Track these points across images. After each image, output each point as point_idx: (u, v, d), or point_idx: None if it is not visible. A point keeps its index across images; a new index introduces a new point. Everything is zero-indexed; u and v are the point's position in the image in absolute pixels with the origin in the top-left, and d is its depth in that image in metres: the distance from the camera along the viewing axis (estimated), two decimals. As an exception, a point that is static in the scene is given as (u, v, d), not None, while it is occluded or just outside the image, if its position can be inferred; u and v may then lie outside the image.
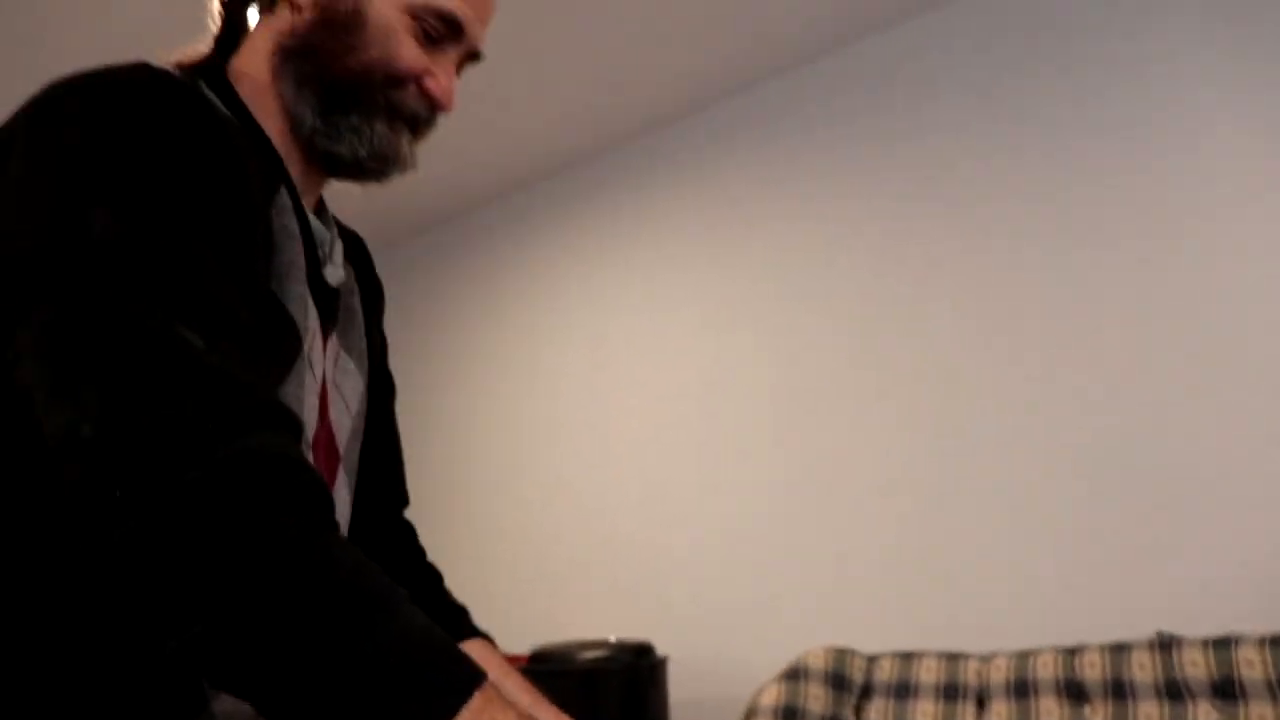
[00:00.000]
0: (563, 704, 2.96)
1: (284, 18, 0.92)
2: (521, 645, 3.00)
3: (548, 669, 2.77)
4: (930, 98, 2.81)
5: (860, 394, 2.78)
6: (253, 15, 0.95)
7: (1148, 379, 2.31)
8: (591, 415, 3.40)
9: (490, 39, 1.00)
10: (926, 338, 2.67)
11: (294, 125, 0.91)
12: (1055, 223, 2.52)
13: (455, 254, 4.05)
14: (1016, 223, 2.58)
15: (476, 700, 0.60)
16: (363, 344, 1.04)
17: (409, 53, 0.91)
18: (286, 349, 0.83)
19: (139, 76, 0.76)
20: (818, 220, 2.96)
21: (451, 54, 0.94)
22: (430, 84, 0.92)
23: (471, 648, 1.04)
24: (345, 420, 0.98)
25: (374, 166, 0.93)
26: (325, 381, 0.94)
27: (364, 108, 0.90)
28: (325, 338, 0.93)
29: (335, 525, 0.66)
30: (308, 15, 0.91)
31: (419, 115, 0.93)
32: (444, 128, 0.98)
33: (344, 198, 1.15)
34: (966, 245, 2.66)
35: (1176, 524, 2.22)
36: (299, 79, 0.91)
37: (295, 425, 0.69)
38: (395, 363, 1.19)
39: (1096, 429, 2.36)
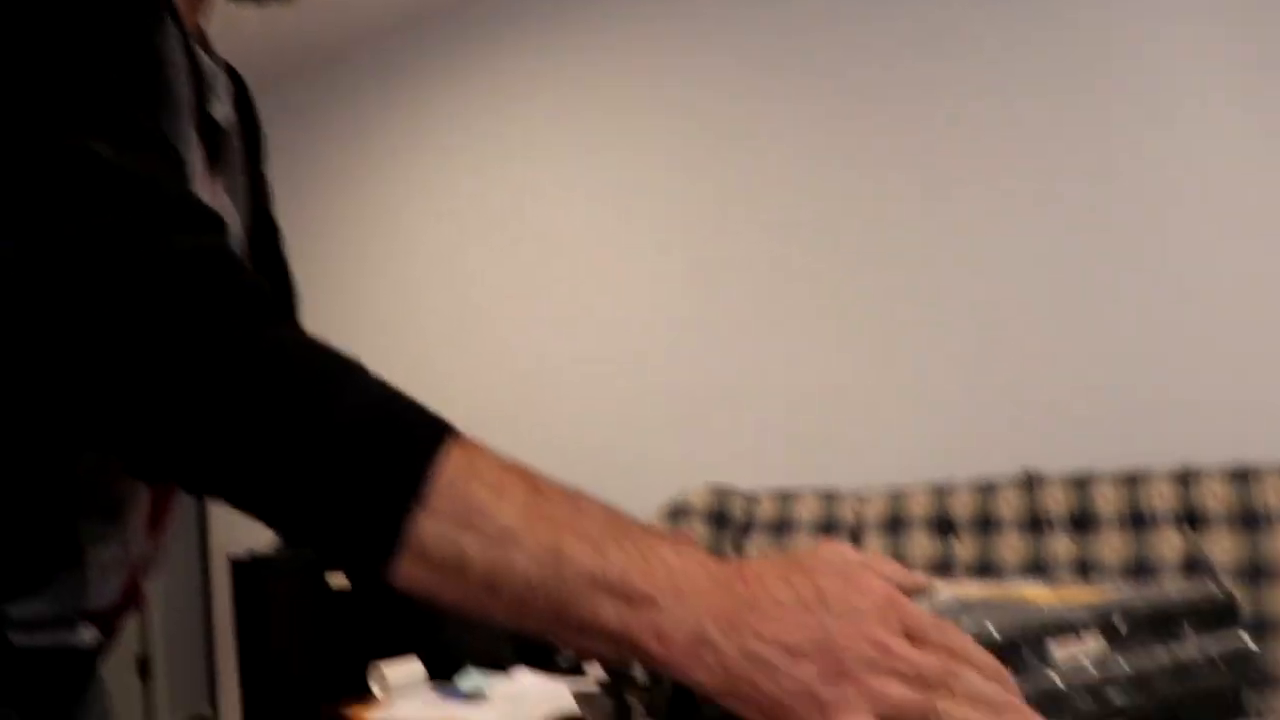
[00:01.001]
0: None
1: None
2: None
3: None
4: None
5: (741, 239, 2.77)
6: None
7: (1028, 238, 2.35)
8: (467, 270, 3.33)
9: None
10: (814, 188, 2.66)
11: None
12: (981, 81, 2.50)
13: (336, 99, 3.84)
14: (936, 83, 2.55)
15: (455, 451, 0.57)
16: (240, 182, 0.97)
17: None
18: (173, 175, 0.77)
19: None
20: (716, 83, 2.88)
21: None
22: None
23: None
24: None
25: None
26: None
27: None
28: (210, 178, 0.87)
29: (282, 314, 0.63)
30: None
31: None
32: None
33: (218, 38, 1.05)
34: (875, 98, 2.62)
35: (1039, 370, 2.30)
36: None
37: (223, 226, 0.65)
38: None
39: (969, 281, 2.41)
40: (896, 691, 0.55)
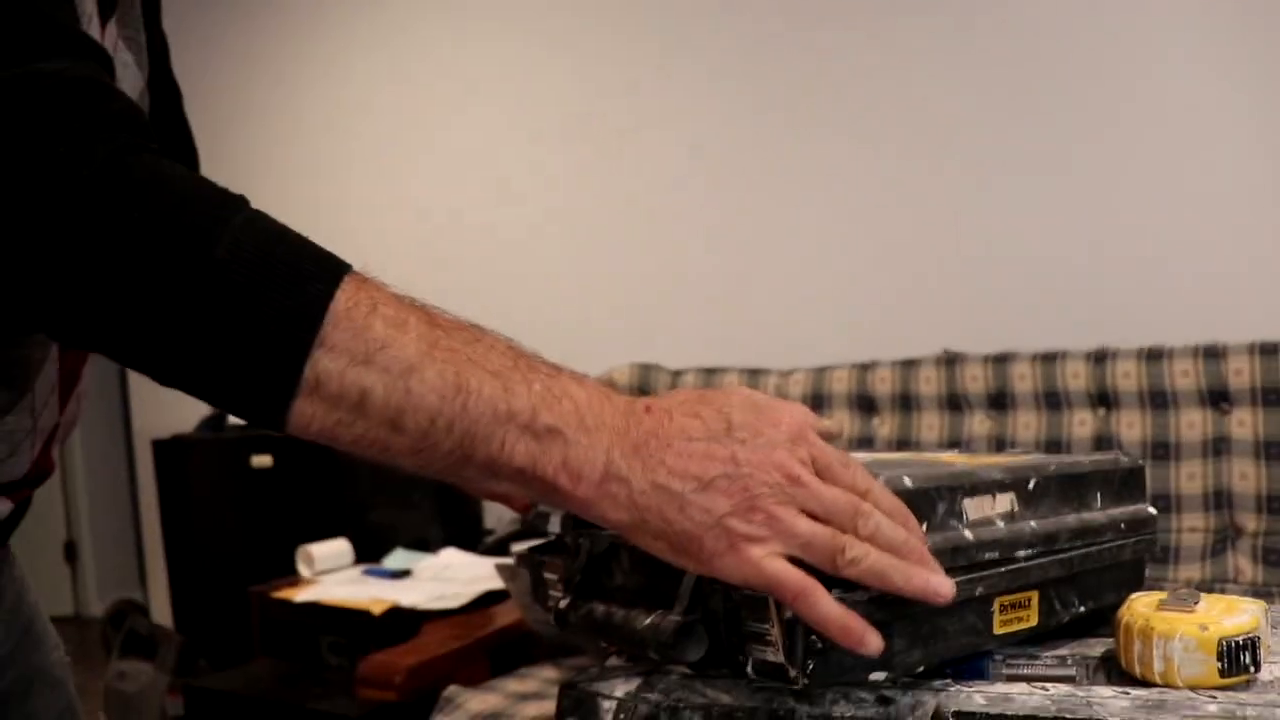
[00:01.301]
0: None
1: None
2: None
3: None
4: None
5: (666, 112, 2.72)
6: None
7: (951, 119, 2.33)
8: (390, 120, 3.23)
9: None
10: (744, 60, 2.61)
11: None
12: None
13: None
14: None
15: (350, 286, 0.54)
16: (142, 38, 0.91)
17: None
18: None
19: None
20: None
21: None
22: None
23: None
24: None
25: None
26: None
27: None
28: (104, 25, 0.81)
29: (154, 145, 0.57)
30: None
31: None
32: None
33: None
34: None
35: (961, 250, 2.32)
36: None
37: (105, 59, 0.59)
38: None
39: (894, 162, 2.40)
40: (805, 526, 0.55)
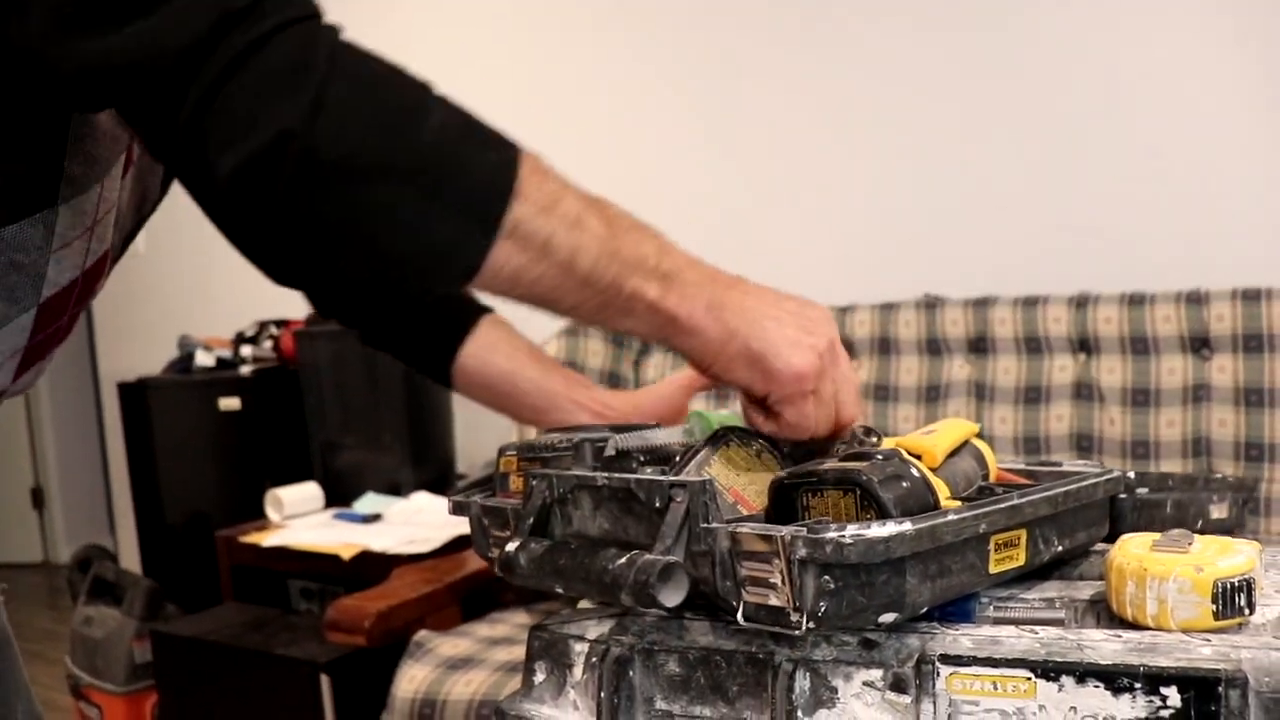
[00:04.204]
0: (339, 365, 2.89)
1: None
2: (299, 310, 2.90)
3: (325, 329, 2.70)
4: None
5: (639, 59, 2.66)
6: None
7: (931, 65, 2.29)
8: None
9: None
10: (719, 9, 2.55)
11: None
12: None
13: None
14: None
15: (527, 154, 0.65)
16: None
17: None
18: None
19: None
20: None
21: None
22: None
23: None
24: None
25: None
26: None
27: None
28: None
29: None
30: None
31: None
32: None
33: None
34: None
35: (942, 194, 2.28)
36: None
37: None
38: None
39: (867, 103, 2.36)
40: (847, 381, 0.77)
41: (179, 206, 0.77)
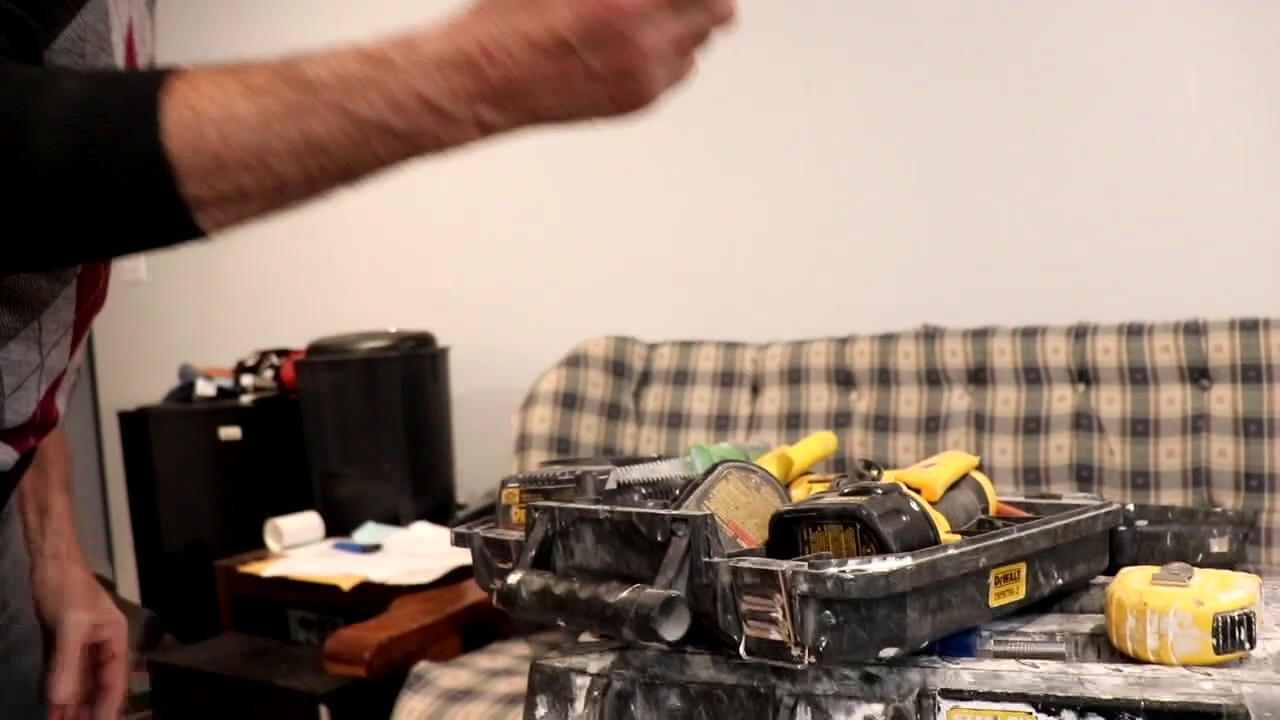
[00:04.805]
0: (340, 395, 2.90)
1: None
2: (300, 339, 2.90)
3: (326, 359, 2.70)
4: None
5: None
6: None
7: (933, 99, 2.31)
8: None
9: None
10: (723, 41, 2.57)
11: None
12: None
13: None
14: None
15: (170, 108, 0.54)
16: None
17: None
18: None
19: None
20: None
21: None
22: None
23: None
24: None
25: None
26: (132, 26, 0.79)
27: None
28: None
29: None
30: None
31: None
32: None
33: None
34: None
35: (940, 224, 2.29)
36: None
37: None
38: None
39: (874, 139, 2.37)
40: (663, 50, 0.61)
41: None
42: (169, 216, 0.56)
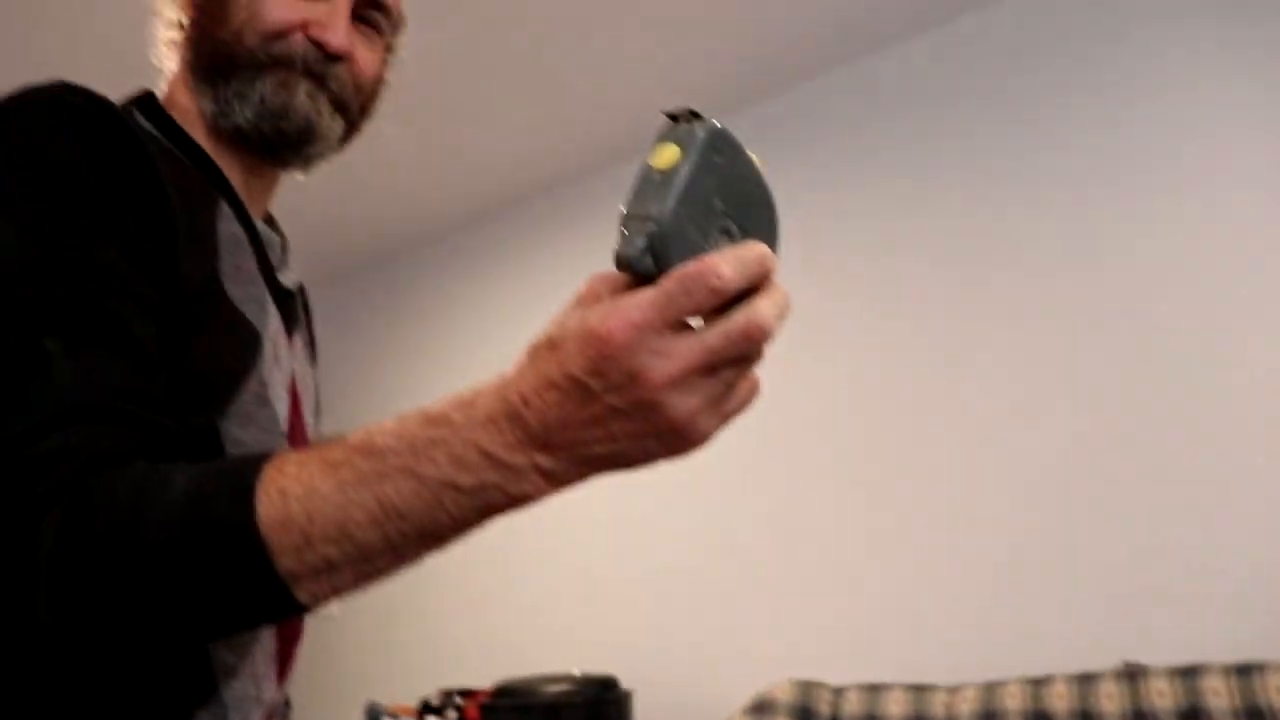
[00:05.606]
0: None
1: (180, 35, 0.92)
2: (485, 678, 2.94)
3: (511, 703, 2.71)
4: (934, 118, 2.81)
5: (821, 426, 2.76)
6: None
7: (1115, 412, 2.30)
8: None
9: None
10: (887, 368, 2.66)
11: (209, 126, 0.90)
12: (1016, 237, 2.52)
13: (388, 296, 4.01)
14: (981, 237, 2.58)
15: (264, 495, 0.60)
16: (310, 351, 1.02)
17: (276, 5, 0.88)
18: (242, 349, 0.80)
19: (46, 96, 0.74)
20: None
21: (339, 1, 0.91)
22: (314, 30, 0.89)
23: None
24: (310, 419, 0.97)
25: (271, 127, 0.89)
26: (295, 378, 0.91)
27: (243, 71, 0.88)
28: (290, 337, 0.91)
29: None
30: (188, 17, 0.91)
31: (309, 61, 0.89)
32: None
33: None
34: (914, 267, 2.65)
35: (1142, 557, 2.21)
36: (194, 76, 0.90)
37: (117, 417, 0.66)
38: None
39: (1060, 465, 2.35)
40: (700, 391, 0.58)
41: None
42: (269, 591, 0.60)
